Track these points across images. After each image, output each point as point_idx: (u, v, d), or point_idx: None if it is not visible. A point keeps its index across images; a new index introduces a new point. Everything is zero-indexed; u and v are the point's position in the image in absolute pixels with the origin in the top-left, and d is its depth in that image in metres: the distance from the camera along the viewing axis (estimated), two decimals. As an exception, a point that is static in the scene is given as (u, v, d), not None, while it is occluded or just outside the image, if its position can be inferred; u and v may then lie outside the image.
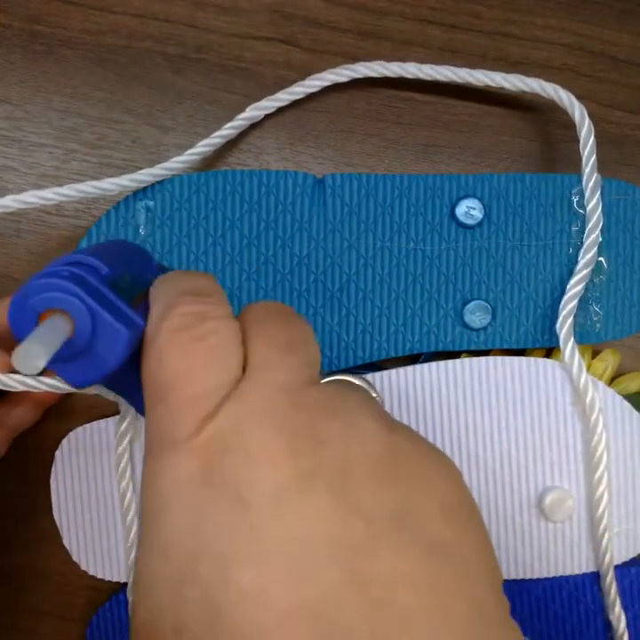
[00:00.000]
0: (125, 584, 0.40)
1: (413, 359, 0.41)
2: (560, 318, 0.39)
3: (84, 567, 0.40)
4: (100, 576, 0.40)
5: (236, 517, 0.23)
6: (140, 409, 0.28)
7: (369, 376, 0.39)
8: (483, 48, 0.43)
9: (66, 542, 0.40)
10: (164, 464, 0.24)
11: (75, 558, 0.40)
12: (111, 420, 0.40)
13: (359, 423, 0.25)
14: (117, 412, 0.39)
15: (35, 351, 0.22)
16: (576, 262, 0.40)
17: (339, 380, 0.33)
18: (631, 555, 0.40)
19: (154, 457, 0.25)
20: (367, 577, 0.22)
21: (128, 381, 0.27)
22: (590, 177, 0.39)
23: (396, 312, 0.40)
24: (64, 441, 0.40)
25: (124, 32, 0.42)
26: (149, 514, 0.24)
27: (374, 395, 0.37)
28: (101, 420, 0.40)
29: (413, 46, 0.43)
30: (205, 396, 0.25)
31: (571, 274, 0.40)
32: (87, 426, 0.40)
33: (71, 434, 0.40)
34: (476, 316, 0.40)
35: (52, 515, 0.40)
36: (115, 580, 0.40)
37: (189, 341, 0.25)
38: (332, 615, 0.21)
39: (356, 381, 0.36)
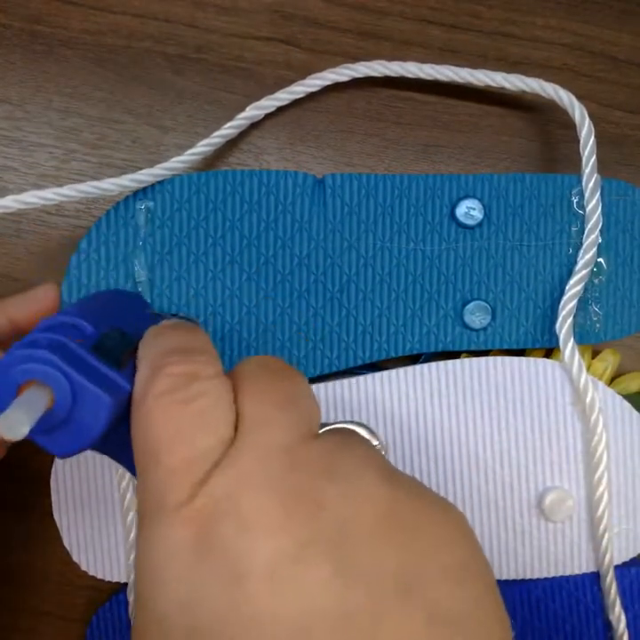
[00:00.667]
0: (125, 584, 0.40)
1: (413, 359, 0.41)
2: (560, 318, 0.39)
3: (84, 567, 0.40)
4: (100, 576, 0.40)
5: (231, 592, 0.22)
6: (132, 469, 0.27)
7: (369, 376, 0.39)
8: (483, 48, 0.43)
9: (66, 542, 0.40)
10: (156, 532, 0.23)
11: (75, 558, 0.40)
12: None
13: (359, 479, 0.24)
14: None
15: (17, 419, 0.22)
16: (576, 263, 0.40)
17: (340, 428, 0.32)
18: (631, 555, 0.40)
19: (146, 523, 0.24)
20: None
21: (118, 442, 0.27)
22: (590, 177, 0.39)
23: (396, 312, 0.40)
24: None
25: (124, 32, 0.42)
26: (144, 583, 0.23)
27: (376, 443, 0.36)
28: None
29: (413, 46, 0.43)
30: (196, 460, 0.24)
31: (570, 274, 0.40)
32: None
33: None
34: (476, 316, 0.40)
35: (52, 515, 0.40)
36: (115, 580, 0.40)
37: (177, 404, 0.25)
38: None
39: (358, 430, 0.35)
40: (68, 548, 0.40)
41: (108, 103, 0.42)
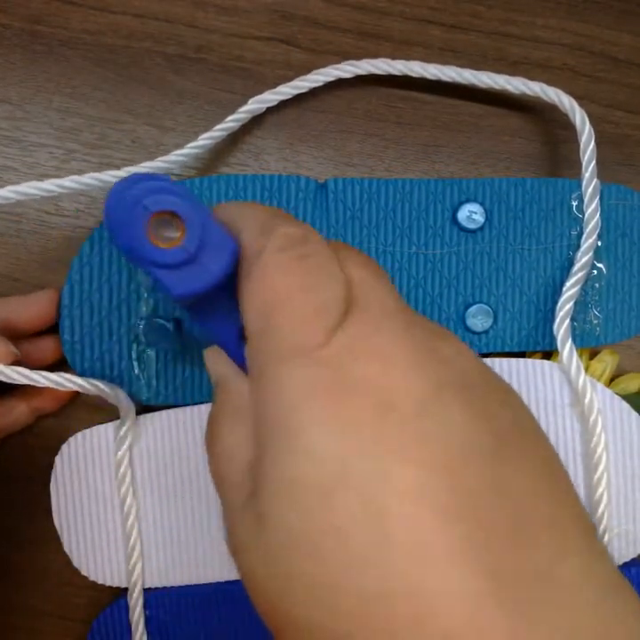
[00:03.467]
0: (126, 589, 0.40)
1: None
2: (557, 320, 0.39)
3: (84, 572, 0.40)
4: (100, 582, 0.40)
5: (381, 418, 0.23)
6: (223, 337, 0.28)
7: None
8: (483, 48, 0.43)
9: (66, 548, 0.40)
10: (292, 372, 0.24)
11: (75, 564, 0.40)
12: (110, 425, 0.40)
13: (457, 344, 0.27)
14: (117, 416, 0.39)
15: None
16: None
17: None
18: (631, 555, 0.40)
19: (275, 366, 0.24)
20: (504, 484, 0.23)
21: (216, 306, 0.27)
22: (590, 182, 0.39)
23: None
24: (64, 446, 0.40)
25: (124, 32, 0.42)
26: (278, 421, 0.24)
27: None
28: (100, 426, 0.39)
29: (414, 46, 0.43)
30: (325, 307, 0.25)
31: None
32: (86, 431, 0.40)
33: (71, 439, 0.40)
34: (478, 319, 0.40)
35: (52, 514, 0.40)
36: (116, 585, 0.40)
37: (296, 259, 0.25)
38: (479, 515, 0.22)
39: None
40: (68, 553, 0.40)
41: (108, 103, 0.42)
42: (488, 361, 0.39)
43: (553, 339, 0.40)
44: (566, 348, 0.39)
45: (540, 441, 0.26)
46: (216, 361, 0.30)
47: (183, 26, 0.42)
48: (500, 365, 0.39)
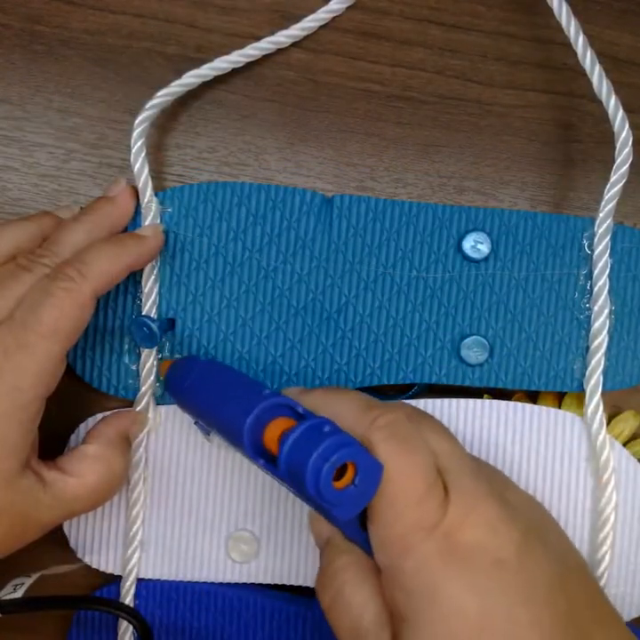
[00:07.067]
0: (119, 577, 0.40)
1: (407, 386, 0.41)
2: (588, 370, 0.39)
3: (80, 555, 0.40)
4: (94, 566, 0.40)
5: (499, 571, 0.29)
6: (348, 526, 0.32)
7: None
8: (483, 48, 0.43)
9: (66, 530, 0.40)
10: (420, 552, 0.29)
11: (72, 545, 0.40)
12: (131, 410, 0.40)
13: (512, 485, 0.34)
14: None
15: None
16: (580, 307, 0.40)
17: None
18: (626, 618, 0.39)
19: (402, 552, 0.29)
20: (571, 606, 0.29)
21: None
22: (603, 222, 0.39)
23: (392, 339, 0.40)
24: (81, 425, 0.40)
25: (124, 32, 0.42)
26: (420, 585, 0.29)
27: None
28: (122, 410, 0.39)
29: (414, 46, 0.43)
30: (433, 485, 0.30)
31: (574, 318, 0.40)
32: (106, 413, 0.39)
33: (90, 419, 0.40)
34: (473, 351, 0.39)
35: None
36: (109, 571, 0.40)
37: (398, 444, 0.30)
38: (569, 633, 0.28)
39: None
40: (67, 534, 0.40)
41: (108, 103, 0.42)
42: (511, 404, 0.39)
43: (548, 379, 0.40)
44: (593, 402, 0.39)
45: (581, 561, 0.33)
46: (321, 524, 0.34)
47: (183, 26, 0.42)
48: (522, 410, 0.39)
